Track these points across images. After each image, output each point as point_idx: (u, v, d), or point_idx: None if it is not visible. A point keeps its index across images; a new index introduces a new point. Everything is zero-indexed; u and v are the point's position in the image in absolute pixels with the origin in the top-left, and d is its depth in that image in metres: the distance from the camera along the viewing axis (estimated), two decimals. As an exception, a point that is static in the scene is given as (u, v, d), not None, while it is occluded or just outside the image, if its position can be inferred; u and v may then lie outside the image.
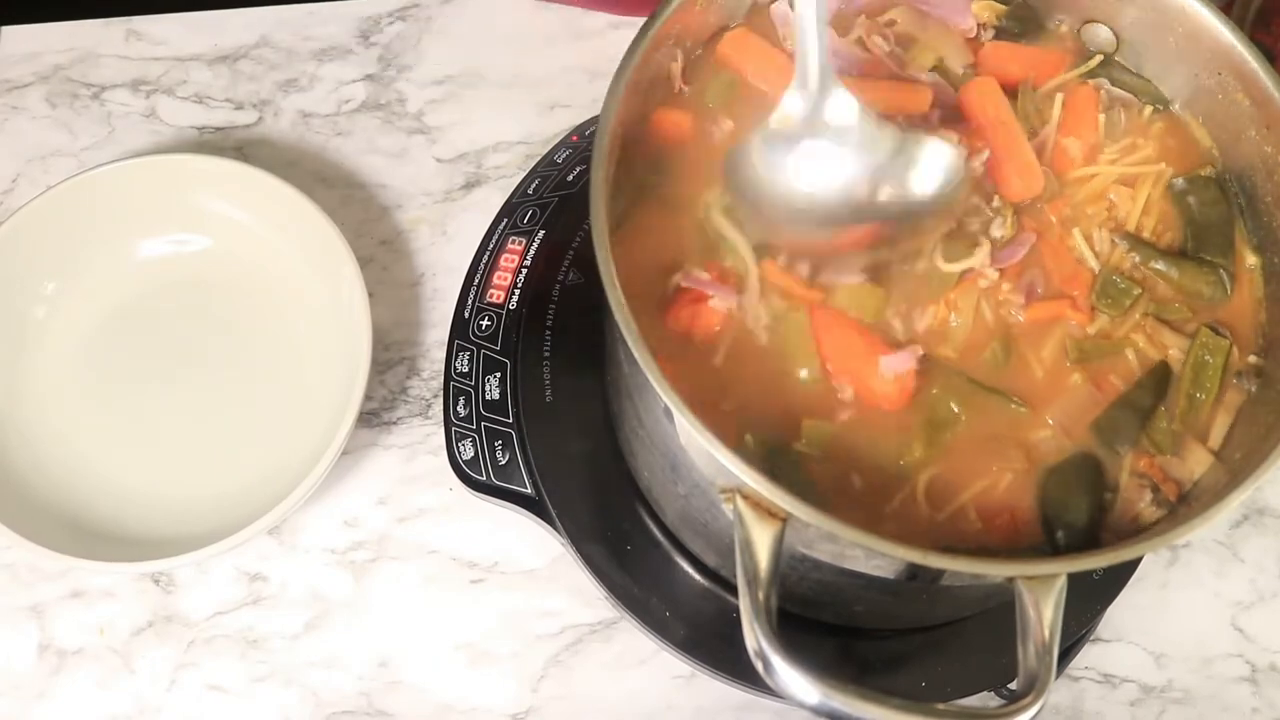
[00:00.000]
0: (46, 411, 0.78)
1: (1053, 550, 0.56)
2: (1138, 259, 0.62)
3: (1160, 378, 0.59)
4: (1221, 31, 0.61)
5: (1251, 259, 0.62)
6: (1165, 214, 0.64)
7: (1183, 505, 0.57)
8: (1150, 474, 0.58)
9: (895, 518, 0.56)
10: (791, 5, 0.57)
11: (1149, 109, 0.66)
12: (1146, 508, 0.57)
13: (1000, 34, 0.67)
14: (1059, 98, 0.65)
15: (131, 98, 0.91)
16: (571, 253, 0.81)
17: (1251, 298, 0.62)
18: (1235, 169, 0.64)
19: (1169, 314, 0.61)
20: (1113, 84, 0.66)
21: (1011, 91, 0.64)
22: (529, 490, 0.75)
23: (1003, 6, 0.67)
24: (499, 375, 0.77)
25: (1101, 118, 0.65)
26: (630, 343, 0.52)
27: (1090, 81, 0.66)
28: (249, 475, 0.76)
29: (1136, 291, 0.60)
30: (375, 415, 0.81)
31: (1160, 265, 0.61)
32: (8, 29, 0.93)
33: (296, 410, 0.78)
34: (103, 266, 0.81)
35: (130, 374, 0.80)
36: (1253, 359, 0.60)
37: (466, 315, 0.80)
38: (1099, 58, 0.66)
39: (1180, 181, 0.64)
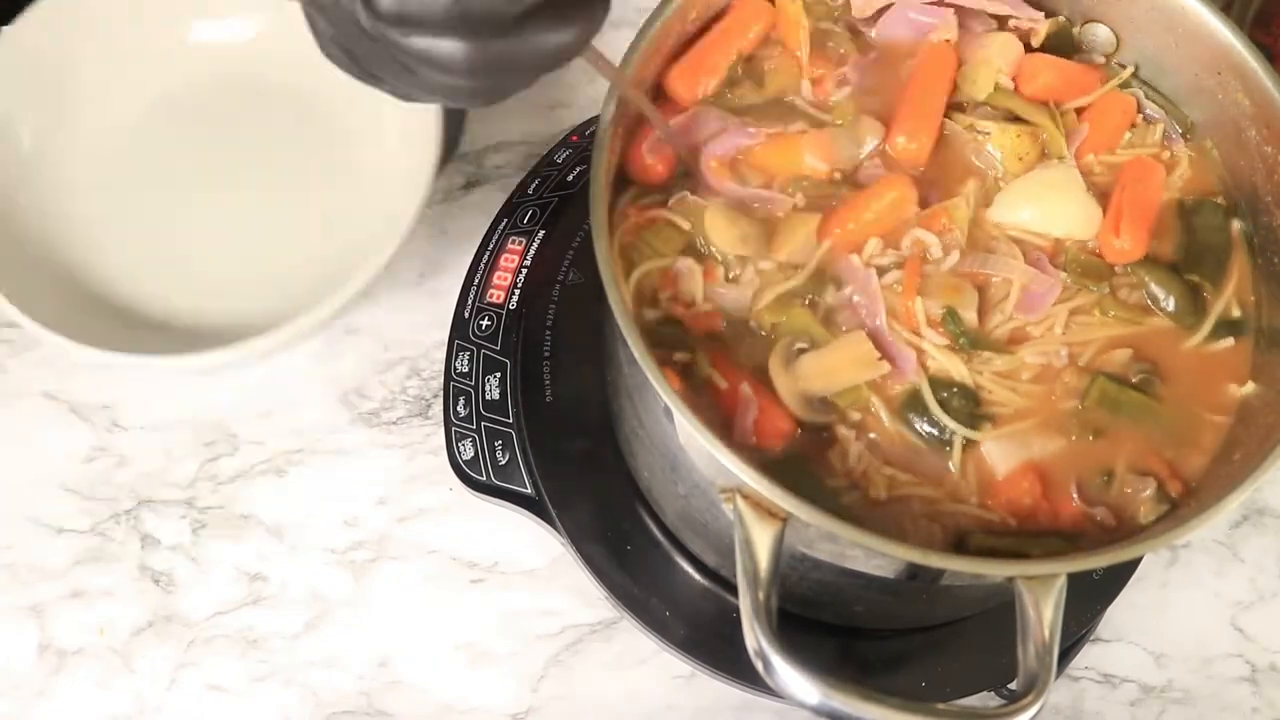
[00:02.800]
0: (94, 193, 0.77)
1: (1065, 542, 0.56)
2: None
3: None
4: (1221, 31, 0.61)
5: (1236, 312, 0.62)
6: (1168, 229, 0.64)
7: (1186, 503, 0.57)
8: (1156, 470, 0.58)
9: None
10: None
11: (1161, 129, 0.66)
12: (1149, 499, 0.57)
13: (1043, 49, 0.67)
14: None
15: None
16: (571, 253, 0.81)
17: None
18: (1243, 192, 0.64)
19: (1117, 311, 0.61)
20: (1146, 97, 0.67)
21: (1043, 102, 0.65)
22: (529, 490, 0.75)
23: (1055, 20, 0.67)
24: (499, 375, 0.77)
25: (1128, 135, 0.65)
26: (630, 343, 0.52)
27: (1128, 91, 0.66)
28: (309, 260, 0.76)
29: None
30: (375, 415, 0.81)
31: (1142, 269, 0.61)
32: (8, 29, 0.93)
33: (361, 200, 0.78)
34: (153, 48, 0.81)
35: (187, 156, 0.80)
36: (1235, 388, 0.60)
37: (466, 315, 0.80)
38: (1130, 70, 0.66)
39: (1190, 200, 0.64)
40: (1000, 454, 0.58)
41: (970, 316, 0.59)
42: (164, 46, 0.81)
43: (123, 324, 0.73)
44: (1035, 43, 0.66)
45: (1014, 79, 0.65)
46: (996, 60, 0.65)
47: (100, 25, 0.79)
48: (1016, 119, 0.64)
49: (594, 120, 0.57)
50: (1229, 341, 0.61)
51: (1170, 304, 0.61)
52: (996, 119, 0.64)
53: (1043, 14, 0.66)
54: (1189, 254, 0.63)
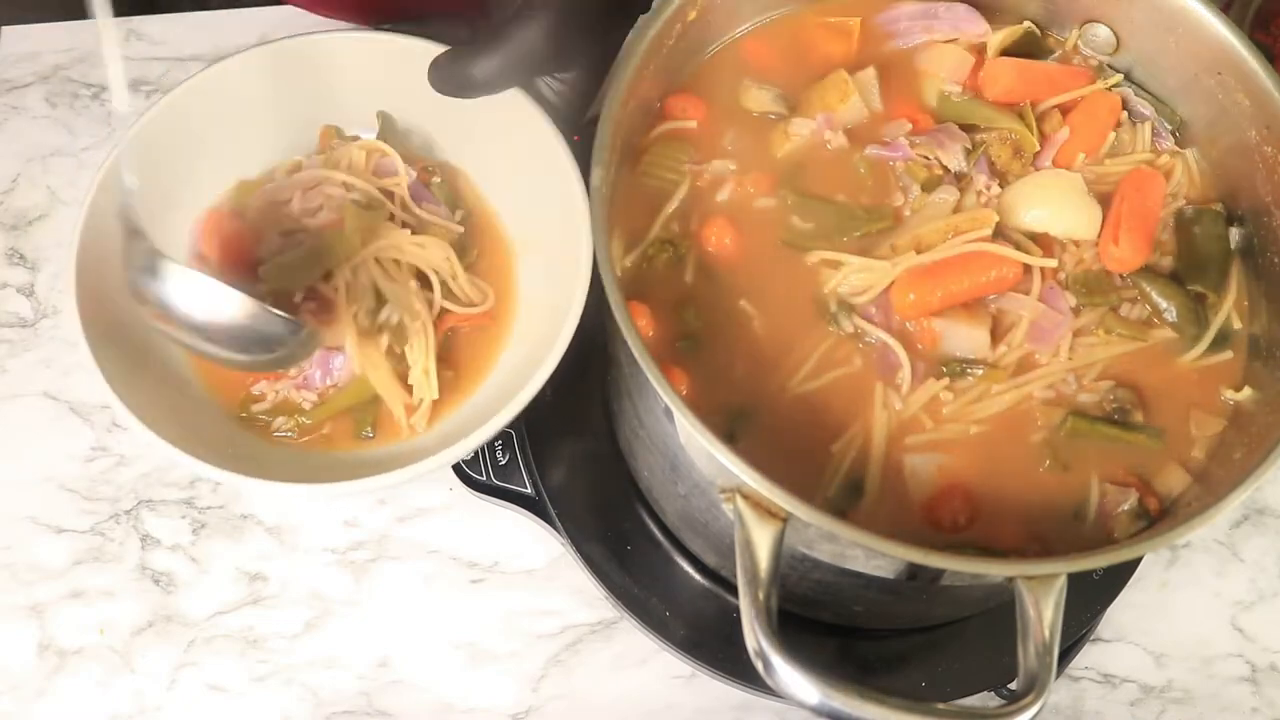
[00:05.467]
0: None
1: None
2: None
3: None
4: (1221, 31, 0.61)
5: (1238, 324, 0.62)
6: (1168, 239, 0.64)
7: (1165, 518, 0.57)
8: (1130, 484, 0.58)
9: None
10: None
11: (1150, 127, 0.66)
12: (1126, 515, 0.57)
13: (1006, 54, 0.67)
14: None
15: (131, 98, 0.90)
16: (571, 252, 0.80)
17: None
18: (1242, 192, 0.64)
19: (1120, 329, 0.61)
20: (1136, 94, 0.67)
21: (1010, 104, 0.65)
22: (529, 490, 0.75)
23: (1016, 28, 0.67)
24: (499, 375, 0.77)
25: (1112, 135, 0.65)
26: (630, 343, 0.52)
27: (1116, 90, 0.66)
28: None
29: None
30: (375, 415, 0.81)
31: (1143, 280, 0.61)
32: (8, 29, 0.93)
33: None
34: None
35: None
36: (1230, 394, 0.60)
37: (466, 315, 0.80)
38: (1118, 78, 0.67)
39: (1190, 210, 0.64)
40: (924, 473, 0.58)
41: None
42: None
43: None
44: (991, 52, 0.66)
45: (974, 86, 0.66)
46: (939, 72, 0.66)
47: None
48: (977, 127, 0.64)
49: (594, 118, 0.57)
50: (1227, 354, 0.61)
51: (1172, 314, 0.61)
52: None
53: (987, 28, 0.67)
54: (1190, 264, 0.62)
